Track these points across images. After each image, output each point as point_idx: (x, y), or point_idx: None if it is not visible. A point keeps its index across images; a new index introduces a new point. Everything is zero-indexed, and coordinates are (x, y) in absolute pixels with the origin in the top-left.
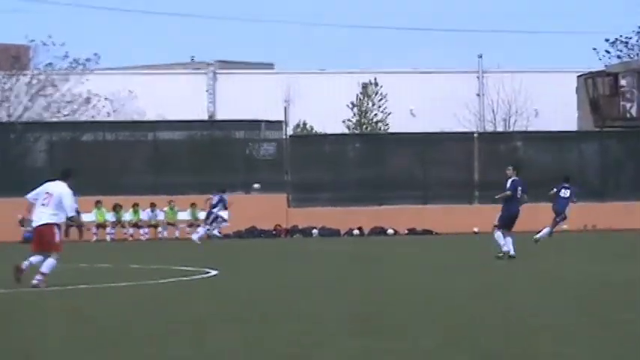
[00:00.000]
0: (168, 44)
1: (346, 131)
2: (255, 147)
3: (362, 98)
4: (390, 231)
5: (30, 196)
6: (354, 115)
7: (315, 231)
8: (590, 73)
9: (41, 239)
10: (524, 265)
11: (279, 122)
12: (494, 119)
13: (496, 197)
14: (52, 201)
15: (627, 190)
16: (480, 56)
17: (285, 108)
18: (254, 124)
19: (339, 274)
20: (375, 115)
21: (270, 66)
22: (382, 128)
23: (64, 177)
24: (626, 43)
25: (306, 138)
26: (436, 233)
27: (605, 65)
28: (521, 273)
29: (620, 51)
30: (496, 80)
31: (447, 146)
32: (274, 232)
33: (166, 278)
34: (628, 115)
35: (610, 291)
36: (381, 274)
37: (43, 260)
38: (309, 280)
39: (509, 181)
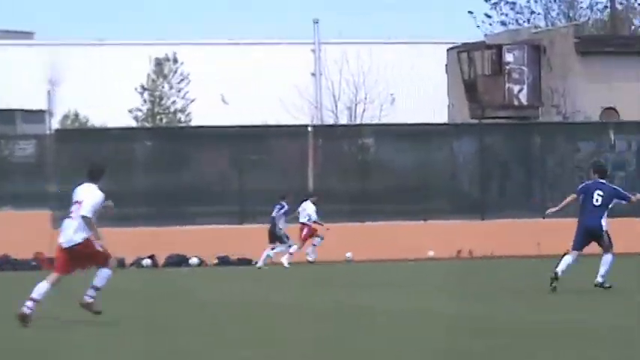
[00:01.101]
0: None
1: (134, 124)
2: (8, 146)
3: (155, 79)
4: (194, 260)
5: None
6: (145, 102)
7: None
8: (465, 44)
9: (78, 260)
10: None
11: (41, 112)
12: (336, 108)
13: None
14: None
15: (514, 204)
16: (317, 22)
17: (49, 92)
18: (6, 115)
19: (113, 320)
20: (174, 102)
21: (29, 35)
22: (183, 120)
23: (92, 178)
24: (513, 4)
25: (77, 133)
26: (256, 262)
27: (486, 34)
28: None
29: (505, 15)
30: (338, 54)
31: (271, 144)
32: (34, 262)
33: None
34: (516, 102)
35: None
36: (177, 324)
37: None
38: (78, 331)
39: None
